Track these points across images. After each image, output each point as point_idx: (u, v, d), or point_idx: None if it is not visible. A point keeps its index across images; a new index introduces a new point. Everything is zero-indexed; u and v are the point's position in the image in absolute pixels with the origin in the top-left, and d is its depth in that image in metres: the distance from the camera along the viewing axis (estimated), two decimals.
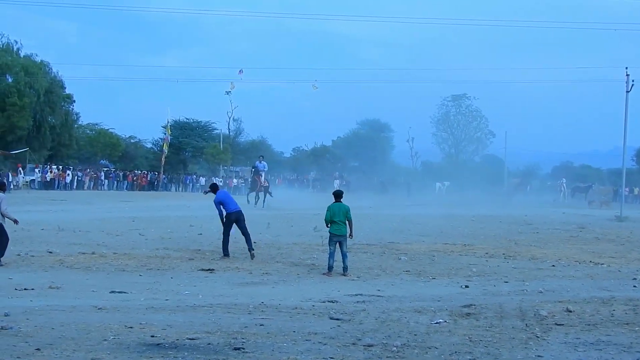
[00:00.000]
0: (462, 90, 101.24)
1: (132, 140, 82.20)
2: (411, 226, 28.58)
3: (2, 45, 64.06)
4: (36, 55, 66.57)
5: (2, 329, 8.76)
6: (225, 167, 75.99)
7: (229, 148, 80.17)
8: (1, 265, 15.28)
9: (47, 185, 55.88)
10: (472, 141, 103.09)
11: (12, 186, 50.53)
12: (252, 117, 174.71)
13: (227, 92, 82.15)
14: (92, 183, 61.15)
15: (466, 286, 14.25)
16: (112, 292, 12.67)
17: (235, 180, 69.11)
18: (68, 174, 58.55)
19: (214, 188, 19.28)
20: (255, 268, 16.22)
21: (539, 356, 8.25)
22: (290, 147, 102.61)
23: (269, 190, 40.54)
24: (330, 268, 15.70)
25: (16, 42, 65.35)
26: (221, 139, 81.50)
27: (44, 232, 21.47)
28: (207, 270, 15.75)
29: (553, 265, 17.70)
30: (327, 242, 16.22)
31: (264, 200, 39.21)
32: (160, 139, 79.44)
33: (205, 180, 69.17)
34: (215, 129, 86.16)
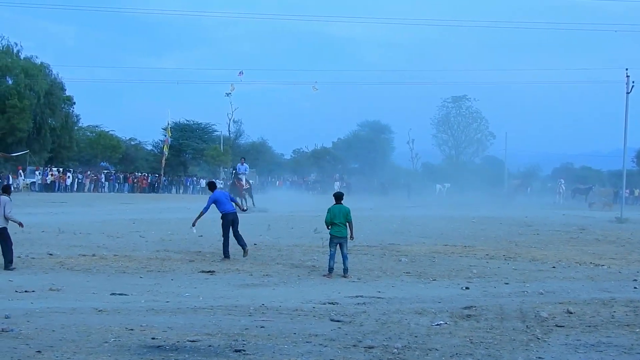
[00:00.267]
0: (462, 92, 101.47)
1: (132, 142, 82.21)
2: (411, 228, 28.57)
3: (2, 48, 64.00)
4: (36, 57, 66.68)
5: (2, 331, 8.76)
6: (226, 169, 75.90)
7: (230, 150, 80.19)
8: (13, 268, 15.28)
9: (47, 187, 55.85)
10: (473, 143, 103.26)
11: (12, 188, 50.50)
12: (252, 118, 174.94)
13: (227, 94, 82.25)
14: (92, 185, 61.10)
15: (467, 288, 14.24)
16: (113, 294, 12.68)
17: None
18: (68, 176, 58.51)
19: (211, 186, 19.46)
20: (256, 270, 16.22)
21: (539, 358, 8.26)
22: (291, 149, 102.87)
23: (251, 192, 38.93)
24: (330, 270, 15.70)
25: (16, 45, 65.36)
26: (221, 141, 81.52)
27: (44, 234, 21.48)
28: (208, 272, 15.75)
29: (553, 267, 17.69)
30: (328, 243, 16.22)
31: (253, 202, 37.68)
32: (161, 140, 79.48)
33: (206, 182, 69.09)
34: (215, 131, 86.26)
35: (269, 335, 9.01)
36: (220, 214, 18.40)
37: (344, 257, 15.76)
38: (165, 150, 71.60)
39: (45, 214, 29.67)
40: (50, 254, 17.44)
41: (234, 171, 39.17)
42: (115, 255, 17.87)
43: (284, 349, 8.30)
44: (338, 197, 16.34)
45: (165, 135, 74.28)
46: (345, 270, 15.67)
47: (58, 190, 55.87)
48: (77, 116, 72.39)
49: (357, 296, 12.86)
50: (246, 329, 9.36)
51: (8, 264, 15.39)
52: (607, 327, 9.97)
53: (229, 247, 18.07)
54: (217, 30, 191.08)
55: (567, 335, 9.41)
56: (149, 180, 67.96)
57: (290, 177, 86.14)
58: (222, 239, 18.24)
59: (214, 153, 76.63)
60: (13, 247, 15.75)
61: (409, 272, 16.28)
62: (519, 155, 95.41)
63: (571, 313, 10.93)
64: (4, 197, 15.83)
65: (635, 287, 14.59)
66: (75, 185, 59.02)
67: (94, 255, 17.73)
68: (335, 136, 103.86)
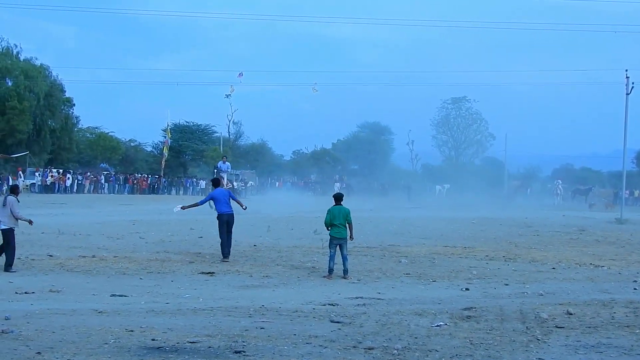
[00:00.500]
0: (462, 93, 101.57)
1: (132, 144, 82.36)
2: (411, 229, 28.58)
3: (2, 49, 64.06)
4: (36, 59, 66.73)
5: (2, 332, 8.77)
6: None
7: (229, 151, 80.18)
8: (13, 271, 15.27)
9: (47, 188, 55.86)
10: (472, 144, 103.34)
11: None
12: (252, 120, 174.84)
13: (227, 95, 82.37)
14: (92, 186, 61.15)
15: (467, 289, 14.24)
16: (113, 295, 12.67)
17: (235, 183, 68.98)
18: (68, 178, 58.55)
19: (214, 183, 19.60)
20: (256, 271, 16.21)
21: (539, 359, 8.26)
22: (291, 150, 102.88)
23: (236, 191, 37.20)
24: (330, 271, 15.69)
25: (16, 46, 65.41)
26: (221, 142, 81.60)
27: (44, 235, 21.46)
28: (208, 273, 15.75)
29: (553, 268, 17.69)
30: (328, 245, 16.23)
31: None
32: (160, 142, 79.60)
33: (206, 184, 69.21)
34: (215, 132, 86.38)
35: (268, 336, 9.01)
36: (217, 214, 18.47)
37: (344, 259, 15.76)
38: (165, 152, 71.66)
39: (45, 215, 29.64)
40: (50, 256, 17.44)
41: (215, 170, 37.29)
42: (115, 256, 17.87)
43: (284, 350, 8.30)
44: (338, 198, 16.34)
45: (165, 137, 74.35)
46: (345, 271, 15.67)
47: (58, 191, 55.91)
48: (76, 117, 72.68)
49: (357, 297, 12.86)
50: (246, 330, 9.36)
51: (8, 266, 15.38)
52: (607, 328, 9.97)
53: (229, 245, 18.11)
54: (216, 32, 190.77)
55: (567, 337, 9.42)
56: (148, 182, 67.95)
57: (290, 178, 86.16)
58: (219, 239, 18.29)
59: (214, 154, 76.61)
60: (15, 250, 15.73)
61: (409, 273, 16.28)
62: (518, 157, 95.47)
63: (571, 314, 10.94)
64: (11, 198, 15.86)
65: (635, 288, 14.59)
66: (75, 187, 59.07)
67: (94, 256, 17.73)
68: (335, 137, 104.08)
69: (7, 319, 9.65)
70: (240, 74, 78.64)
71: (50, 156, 66.16)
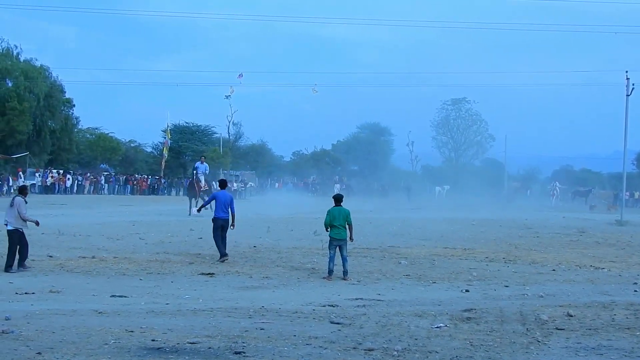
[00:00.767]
0: (461, 94, 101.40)
1: (132, 145, 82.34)
2: (411, 230, 28.58)
3: (2, 50, 64.08)
4: (36, 59, 66.74)
5: (3, 332, 8.77)
6: (225, 171, 75.88)
7: (229, 152, 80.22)
8: (12, 272, 15.27)
9: (47, 189, 55.88)
10: (472, 145, 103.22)
11: (12, 190, 50.55)
12: (251, 121, 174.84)
13: (227, 96, 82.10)
14: (92, 187, 61.17)
15: (467, 290, 14.24)
16: (113, 296, 12.68)
17: (235, 185, 69.00)
18: (68, 178, 58.60)
19: (221, 184, 19.77)
20: (256, 272, 16.21)
21: None
22: (290, 151, 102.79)
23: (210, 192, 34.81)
24: (330, 272, 15.69)
25: (16, 47, 65.44)
26: (221, 143, 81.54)
27: (44, 236, 21.45)
28: (208, 274, 15.75)
29: (553, 270, 17.69)
30: (327, 246, 16.23)
31: (196, 204, 32.71)
32: (160, 143, 79.65)
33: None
34: (215, 133, 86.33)
35: (268, 337, 9.01)
36: (213, 216, 18.49)
37: (344, 260, 15.76)
38: (165, 152, 71.70)
39: (45, 216, 29.58)
40: (50, 256, 17.44)
41: (194, 171, 35.85)
42: (115, 257, 17.87)
43: (284, 351, 8.30)
44: (338, 199, 16.35)
45: (165, 137, 74.37)
46: (345, 272, 15.67)
47: (58, 192, 55.94)
48: (76, 118, 72.71)
49: (357, 298, 12.86)
50: (246, 331, 9.36)
51: (8, 267, 15.39)
52: (607, 330, 9.96)
53: (222, 246, 18.17)
54: (216, 32, 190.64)
55: (567, 338, 9.41)
56: (148, 182, 67.94)
57: (290, 179, 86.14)
58: (214, 241, 18.38)
59: (214, 155, 76.55)
60: (17, 252, 15.72)
61: (409, 275, 16.28)
62: (518, 158, 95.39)
63: (571, 316, 10.93)
64: (18, 198, 15.88)
65: (635, 291, 14.57)
66: (75, 187, 59.12)
67: (93, 257, 17.74)
68: (335, 138, 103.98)
69: (7, 319, 9.65)
70: (240, 75, 78.55)
71: (50, 157, 66.17)
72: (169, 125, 76.10)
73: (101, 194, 61.13)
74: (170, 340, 8.64)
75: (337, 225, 15.81)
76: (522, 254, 20.85)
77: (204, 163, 36.41)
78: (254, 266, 17.16)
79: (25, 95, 60.58)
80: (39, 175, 57.16)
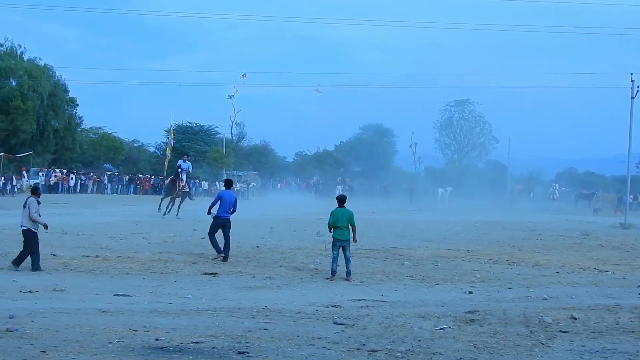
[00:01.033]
0: (465, 96, 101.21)
1: (135, 144, 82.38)
2: (414, 231, 28.57)
3: (6, 49, 64.13)
4: (40, 59, 66.78)
5: (7, 331, 8.77)
6: (228, 172, 75.92)
7: (232, 152, 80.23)
8: (18, 270, 15.28)
9: (50, 188, 55.83)
10: (475, 147, 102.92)
11: (15, 190, 50.68)
12: (254, 121, 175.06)
13: (230, 97, 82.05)
14: (95, 187, 61.18)
15: (470, 292, 14.23)
16: (116, 295, 12.69)
17: (238, 185, 69.01)
18: (71, 178, 58.61)
19: (227, 183, 19.68)
20: (259, 272, 16.22)
21: None
22: (293, 152, 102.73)
23: (190, 195, 34.73)
24: (333, 273, 15.70)
25: (20, 46, 65.49)
26: (224, 143, 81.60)
27: (47, 235, 21.36)
28: (211, 274, 15.76)
29: (557, 272, 17.67)
30: (330, 246, 16.23)
31: (179, 207, 32.94)
32: (163, 143, 79.59)
33: (208, 185, 69.16)
34: (218, 133, 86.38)
35: (272, 337, 9.00)
36: (214, 215, 18.50)
37: (347, 260, 15.77)
38: (168, 152, 71.60)
39: (48, 215, 29.47)
40: (54, 255, 17.45)
41: (179, 170, 33.75)
42: (118, 256, 17.90)
43: (287, 352, 8.29)
44: (341, 200, 16.36)
45: (168, 137, 74.31)
46: (348, 273, 15.67)
47: (61, 191, 55.93)
48: (80, 118, 72.70)
49: (360, 299, 12.86)
50: (249, 331, 9.35)
51: (15, 264, 15.42)
52: (611, 334, 9.94)
53: (217, 243, 18.28)
54: (220, 34, 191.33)
55: (571, 341, 9.39)
56: (151, 182, 67.91)
57: (293, 179, 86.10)
58: (209, 239, 18.55)
59: (217, 155, 76.64)
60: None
61: (412, 276, 16.28)
62: (522, 160, 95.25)
63: (575, 319, 10.92)
64: (31, 199, 15.96)
65: (639, 294, 14.55)
66: (79, 187, 59.10)
67: (97, 256, 17.76)
68: (337, 139, 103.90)
69: (11, 317, 9.66)
70: (244, 75, 78.50)
71: (54, 156, 66.24)
72: (172, 125, 76.04)
73: (104, 193, 61.09)
74: (174, 339, 8.63)
75: (341, 226, 15.82)
76: (526, 256, 20.83)
77: (187, 162, 35.03)
78: (257, 266, 17.16)
79: (29, 95, 60.61)
80: (43, 174, 57.17)
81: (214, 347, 8.33)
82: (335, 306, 11.92)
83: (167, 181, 36.89)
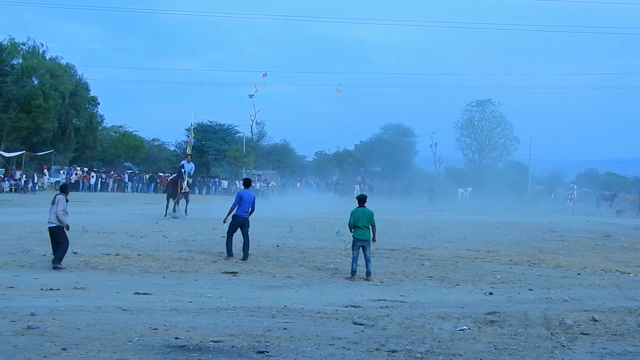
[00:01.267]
0: (486, 96, 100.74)
1: (155, 143, 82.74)
2: (434, 232, 28.45)
3: (28, 48, 64.61)
4: (61, 58, 67.27)
5: (28, 328, 8.83)
6: (248, 170, 76.08)
7: (252, 151, 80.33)
8: (61, 268, 15.39)
9: (71, 187, 55.78)
10: (496, 147, 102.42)
11: (37, 187, 51.02)
12: (275, 120, 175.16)
13: (251, 96, 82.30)
14: (115, 185, 61.47)
15: (490, 293, 14.17)
16: (137, 293, 12.75)
17: (257, 184, 69.04)
18: (92, 176, 58.91)
19: (246, 182, 19.80)
20: (278, 271, 16.23)
21: None
22: (313, 151, 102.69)
23: (187, 197, 32.90)
24: (353, 273, 15.68)
25: (42, 45, 65.93)
26: (244, 142, 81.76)
27: (68, 233, 21.44)
28: (230, 273, 15.79)
29: (578, 274, 17.54)
30: (350, 246, 16.21)
31: (186, 209, 32.03)
32: (184, 141, 79.81)
33: (228, 184, 69.31)
34: (238, 132, 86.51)
35: (291, 337, 9.00)
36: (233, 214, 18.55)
37: (367, 260, 15.75)
38: (189, 151, 71.82)
39: (69, 213, 29.76)
40: (75, 253, 17.54)
41: (182, 170, 32.35)
42: (138, 254, 17.97)
43: (306, 351, 8.29)
44: (361, 200, 16.34)
45: (188, 136, 74.53)
46: (368, 273, 15.65)
47: (82, 189, 56.23)
48: (101, 116, 73.17)
49: (379, 300, 12.84)
50: (269, 330, 9.36)
51: (55, 259, 15.51)
52: (633, 336, 9.87)
53: (232, 247, 18.28)
54: (238, 33, 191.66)
55: (592, 344, 9.33)
56: None
57: (312, 179, 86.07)
58: (225, 237, 18.61)
59: (237, 154, 76.79)
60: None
61: (432, 277, 16.22)
62: (543, 161, 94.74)
63: (597, 321, 10.83)
64: (60, 196, 16.12)
65: None
66: (99, 185, 59.39)
67: (117, 254, 17.84)
68: (357, 139, 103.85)
69: (32, 315, 9.72)
70: (264, 75, 78.75)
71: (75, 154, 66.70)
72: (193, 124, 76.26)
73: (125, 191, 61.36)
74: (194, 338, 8.66)
75: (361, 226, 15.80)
76: (547, 257, 20.70)
77: (190, 162, 34.02)
78: (276, 265, 17.17)
79: (50, 93, 61.04)
80: (64, 172, 57.56)
81: (233, 346, 8.34)
82: (355, 306, 11.90)
83: (169, 182, 35.23)
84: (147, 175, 66.62)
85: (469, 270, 17.43)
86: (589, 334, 9.87)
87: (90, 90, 69.40)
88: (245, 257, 17.94)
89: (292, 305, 11.71)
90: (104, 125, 75.38)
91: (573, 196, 62.79)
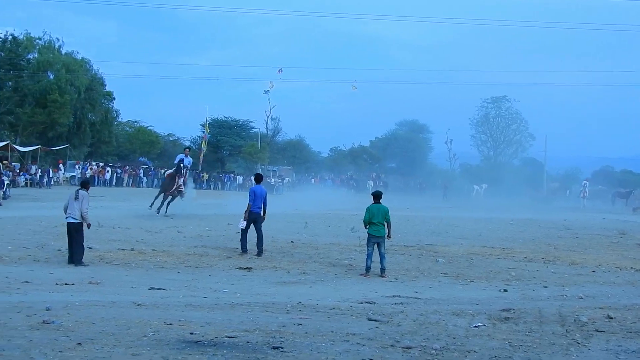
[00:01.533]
0: (502, 92, 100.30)
1: (170, 138, 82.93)
2: (449, 228, 28.40)
3: (44, 43, 64.87)
4: (77, 52, 67.55)
5: (44, 322, 8.87)
6: (263, 166, 76.17)
7: (267, 147, 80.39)
8: (86, 264, 15.47)
9: None
10: (512, 144, 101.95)
11: (52, 182, 51.25)
12: (290, 116, 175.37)
13: (266, 91, 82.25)
14: (130, 180, 61.64)
15: (505, 290, 14.13)
16: (151, 288, 12.77)
17: (272, 180, 69.06)
18: (107, 171, 59.14)
19: (257, 178, 19.70)
20: (293, 267, 16.25)
21: None
22: (328, 147, 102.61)
23: (182, 193, 31.07)
24: (367, 269, 15.68)
25: (58, 40, 66.18)
26: (259, 138, 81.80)
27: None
28: (245, 268, 15.82)
29: (593, 271, 17.47)
30: (365, 242, 16.21)
31: (168, 204, 30.02)
32: (199, 137, 79.98)
33: (243, 179, 69.39)
34: (253, 128, 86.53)
35: (306, 333, 9.01)
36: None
37: (382, 257, 15.74)
38: (203, 147, 71.95)
39: None
40: (90, 248, 17.57)
41: (181, 165, 31.04)
42: (153, 250, 18.03)
43: (321, 347, 8.29)
44: (377, 196, 16.33)
45: (204, 131, 74.69)
46: (383, 269, 15.64)
47: (97, 184, 56.38)
48: (116, 111, 73.48)
49: (394, 296, 12.82)
50: (284, 326, 9.37)
51: (78, 261, 15.52)
52: None
53: (246, 243, 18.30)
54: (254, 29, 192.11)
55: (607, 341, 9.29)
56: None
57: (327, 175, 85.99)
58: (240, 234, 18.62)
59: (252, 150, 76.85)
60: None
61: (447, 273, 16.20)
62: (558, 158, 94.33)
63: (612, 318, 10.79)
64: (83, 192, 16.07)
65: None
66: (114, 180, 59.58)
67: (132, 249, 17.91)
68: (372, 135, 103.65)
69: (48, 309, 9.77)
70: (280, 70, 78.71)
71: (90, 149, 66.99)
72: (208, 119, 76.42)
73: (140, 186, 61.49)
74: (209, 333, 8.68)
75: (376, 223, 15.79)
76: (561, 254, 20.61)
77: (188, 157, 32.65)
78: (291, 261, 17.19)
79: (66, 88, 61.32)
80: (79, 167, 57.84)
81: (248, 342, 8.35)
82: (369, 302, 11.90)
83: (166, 176, 34.04)
84: (163, 171, 66.75)
85: (484, 267, 17.39)
86: (604, 331, 9.83)
87: (105, 85, 69.76)
88: (259, 252, 17.97)
89: (307, 301, 11.72)
90: (119, 120, 75.77)
91: (585, 193, 62.40)
